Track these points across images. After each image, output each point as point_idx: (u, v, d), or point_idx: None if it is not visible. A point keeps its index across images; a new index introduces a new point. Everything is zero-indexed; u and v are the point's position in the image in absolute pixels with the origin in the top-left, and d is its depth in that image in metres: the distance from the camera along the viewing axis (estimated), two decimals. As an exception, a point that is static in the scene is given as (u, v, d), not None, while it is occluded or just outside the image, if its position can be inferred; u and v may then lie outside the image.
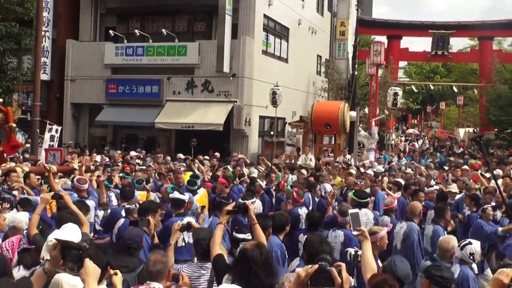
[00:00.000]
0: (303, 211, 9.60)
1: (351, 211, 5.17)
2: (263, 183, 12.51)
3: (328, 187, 11.24)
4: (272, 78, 24.32)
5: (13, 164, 13.23)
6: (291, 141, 23.31)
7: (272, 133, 21.72)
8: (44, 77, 25.27)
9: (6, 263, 5.10)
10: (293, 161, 20.16)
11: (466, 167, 16.84)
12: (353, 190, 10.30)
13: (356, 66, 27.98)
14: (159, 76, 24.44)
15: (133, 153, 19.83)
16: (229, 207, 5.58)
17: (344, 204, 8.38)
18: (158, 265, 4.66)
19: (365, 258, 5.00)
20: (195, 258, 5.84)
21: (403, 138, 42.51)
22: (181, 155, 18.71)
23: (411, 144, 40.44)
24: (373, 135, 23.07)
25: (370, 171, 15.22)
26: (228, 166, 15.04)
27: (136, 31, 24.41)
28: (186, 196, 8.58)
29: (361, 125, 27.71)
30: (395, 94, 22.78)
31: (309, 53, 31.60)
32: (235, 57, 23.26)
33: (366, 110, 38.40)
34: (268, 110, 23.69)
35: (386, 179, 14.29)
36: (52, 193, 6.87)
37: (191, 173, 13.07)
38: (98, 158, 19.69)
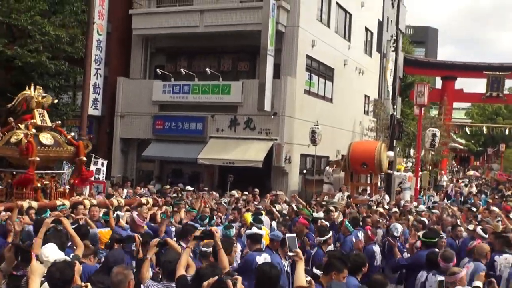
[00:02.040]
0: (377, 248, 9.89)
1: (288, 235, 5.65)
2: None
3: (399, 227, 11.25)
4: (315, 117, 24.75)
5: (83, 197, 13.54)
6: (328, 180, 23.55)
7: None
8: (96, 112, 26.46)
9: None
10: (329, 199, 20.37)
11: (494, 208, 16.57)
12: (423, 232, 10.22)
13: (396, 106, 28.05)
14: (203, 113, 25.17)
15: (188, 187, 20.36)
16: (197, 232, 6.14)
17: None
18: (119, 276, 5.26)
19: (297, 275, 5.49)
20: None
21: (454, 180, 41.91)
22: (234, 192, 19.11)
23: (469, 186, 39.71)
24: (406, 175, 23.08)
25: (395, 209, 15.33)
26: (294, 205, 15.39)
27: (182, 70, 25.33)
28: (263, 232, 8.77)
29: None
30: (433, 135, 22.79)
31: (355, 93, 31.83)
32: (277, 96, 23.78)
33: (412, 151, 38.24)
34: (310, 148, 24.02)
35: (411, 217, 14.35)
36: (53, 218, 7.45)
37: None
38: (143, 191, 20.48)
